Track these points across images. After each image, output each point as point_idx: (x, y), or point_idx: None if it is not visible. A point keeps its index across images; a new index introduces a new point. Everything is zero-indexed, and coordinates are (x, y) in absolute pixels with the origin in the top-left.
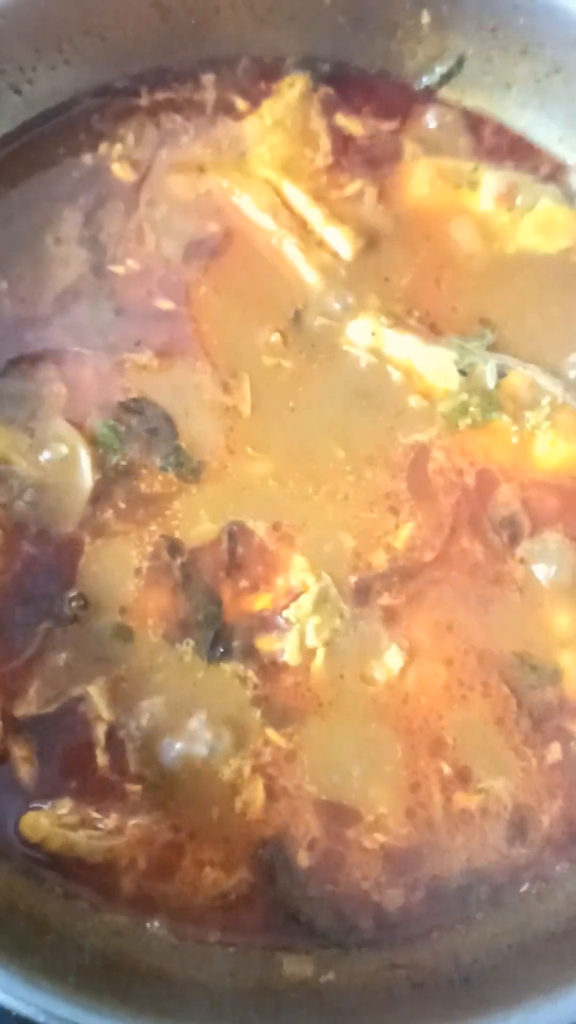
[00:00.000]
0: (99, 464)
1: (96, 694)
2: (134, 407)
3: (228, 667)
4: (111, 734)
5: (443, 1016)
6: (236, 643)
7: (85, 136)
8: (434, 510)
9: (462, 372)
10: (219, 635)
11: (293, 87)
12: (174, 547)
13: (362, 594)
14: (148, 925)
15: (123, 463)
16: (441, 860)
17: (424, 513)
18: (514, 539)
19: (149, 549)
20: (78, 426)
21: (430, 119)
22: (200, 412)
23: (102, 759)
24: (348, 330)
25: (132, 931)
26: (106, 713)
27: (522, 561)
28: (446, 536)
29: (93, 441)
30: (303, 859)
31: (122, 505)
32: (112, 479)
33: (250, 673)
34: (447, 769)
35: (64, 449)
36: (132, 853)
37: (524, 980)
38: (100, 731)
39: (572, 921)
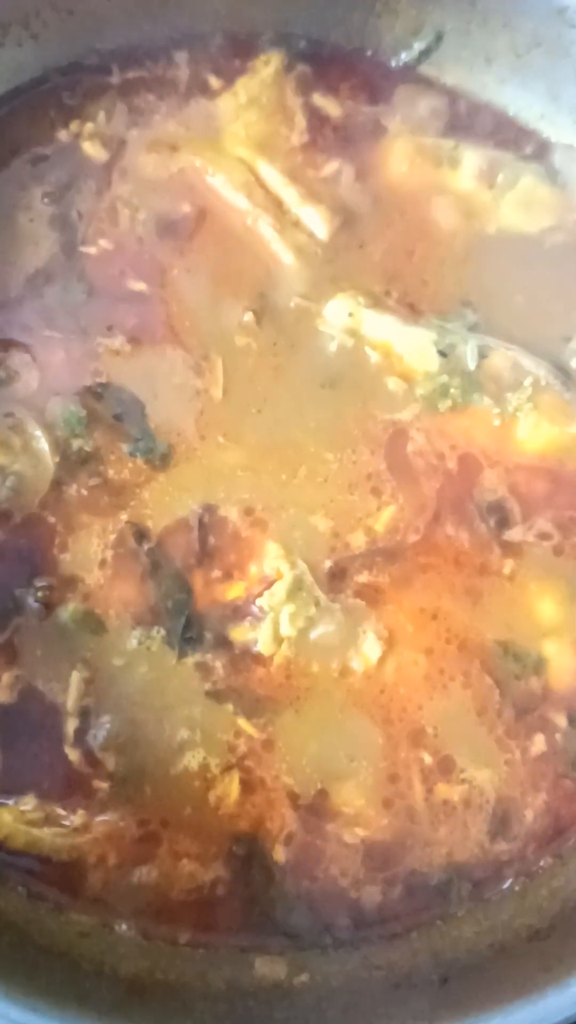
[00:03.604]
0: (60, 450)
1: (74, 685)
2: (100, 391)
3: (195, 658)
4: (80, 727)
5: (420, 1018)
6: (208, 633)
7: (55, 113)
8: (417, 492)
9: (442, 353)
10: (189, 624)
11: (268, 64)
12: (141, 533)
13: (337, 578)
14: (116, 926)
15: (87, 449)
16: (421, 854)
17: (406, 495)
18: (503, 524)
19: (115, 536)
20: (40, 411)
21: (409, 96)
22: (171, 396)
23: (72, 754)
24: (325, 310)
25: (99, 932)
26: (75, 705)
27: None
28: (429, 518)
29: (55, 426)
30: (279, 854)
31: (86, 492)
32: (75, 464)
33: (217, 664)
34: (428, 759)
35: (23, 434)
36: (100, 850)
37: (505, 980)
38: (70, 726)
39: (556, 918)
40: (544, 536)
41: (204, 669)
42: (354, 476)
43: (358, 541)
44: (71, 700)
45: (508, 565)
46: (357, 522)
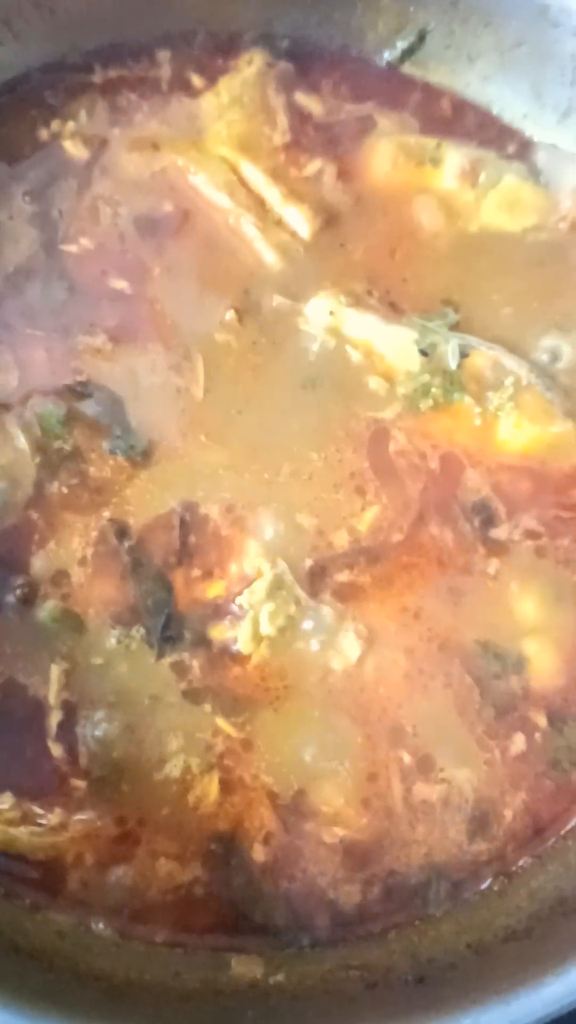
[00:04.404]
0: (40, 449)
1: (54, 678)
2: (81, 390)
3: (172, 657)
4: (62, 725)
5: (394, 1016)
6: (187, 632)
7: (36, 112)
8: (400, 492)
9: (423, 352)
10: (169, 622)
11: (251, 64)
12: (122, 531)
13: (318, 577)
14: (93, 925)
15: (66, 448)
16: (400, 854)
17: (389, 494)
18: (488, 524)
19: (96, 534)
20: (20, 410)
21: (392, 95)
22: (152, 395)
23: (55, 748)
24: (306, 309)
25: (75, 932)
26: (57, 698)
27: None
28: (413, 518)
29: (35, 425)
30: (258, 854)
31: (66, 490)
32: (56, 463)
33: (194, 663)
34: (407, 758)
35: (3, 434)
36: (77, 849)
37: (480, 980)
38: (53, 719)
39: (534, 919)
40: (531, 534)
41: (180, 668)
42: (339, 475)
43: (341, 540)
44: (52, 693)
45: (492, 565)
46: (341, 521)
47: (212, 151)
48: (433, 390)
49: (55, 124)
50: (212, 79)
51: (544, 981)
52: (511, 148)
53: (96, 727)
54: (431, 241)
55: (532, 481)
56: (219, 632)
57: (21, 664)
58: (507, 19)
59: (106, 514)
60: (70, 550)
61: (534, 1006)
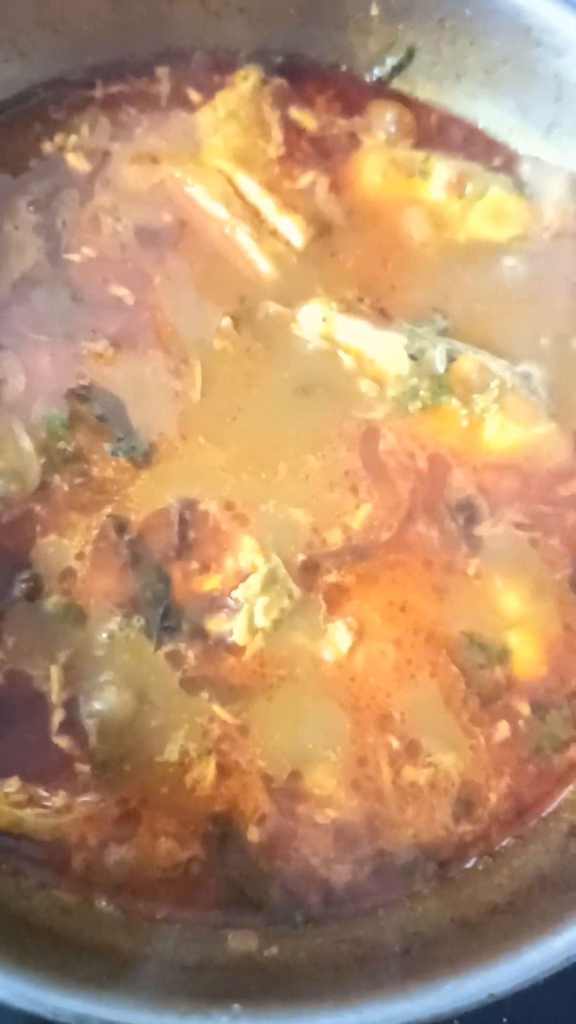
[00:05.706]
0: (45, 450)
1: (54, 673)
2: (84, 394)
3: (169, 647)
4: (65, 713)
5: (381, 985)
6: (185, 623)
7: (40, 126)
8: (391, 490)
9: (412, 357)
10: (168, 614)
11: (247, 79)
12: (121, 526)
13: (310, 571)
14: (96, 903)
15: (70, 449)
16: (389, 835)
17: (380, 492)
18: (471, 521)
19: (98, 531)
20: (26, 413)
21: (382, 110)
22: (151, 398)
23: (59, 739)
24: (299, 316)
25: (79, 908)
26: (59, 696)
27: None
28: (403, 517)
29: (39, 428)
30: (253, 834)
31: (68, 489)
32: (60, 464)
33: (190, 653)
34: (396, 743)
35: (10, 436)
36: (81, 830)
37: (464, 951)
38: (56, 716)
39: (516, 895)
40: (517, 527)
41: (176, 658)
42: (334, 474)
43: (335, 538)
44: (54, 692)
45: (473, 565)
46: (335, 519)
47: (209, 164)
48: (422, 393)
49: (58, 138)
50: (209, 94)
51: (521, 951)
52: (497, 161)
53: (98, 713)
54: (420, 250)
55: (516, 480)
56: (215, 624)
57: (26, 655)
58: (492, 38)
59: (109, 511)
60: (72, 545)
61: (512, 973)
